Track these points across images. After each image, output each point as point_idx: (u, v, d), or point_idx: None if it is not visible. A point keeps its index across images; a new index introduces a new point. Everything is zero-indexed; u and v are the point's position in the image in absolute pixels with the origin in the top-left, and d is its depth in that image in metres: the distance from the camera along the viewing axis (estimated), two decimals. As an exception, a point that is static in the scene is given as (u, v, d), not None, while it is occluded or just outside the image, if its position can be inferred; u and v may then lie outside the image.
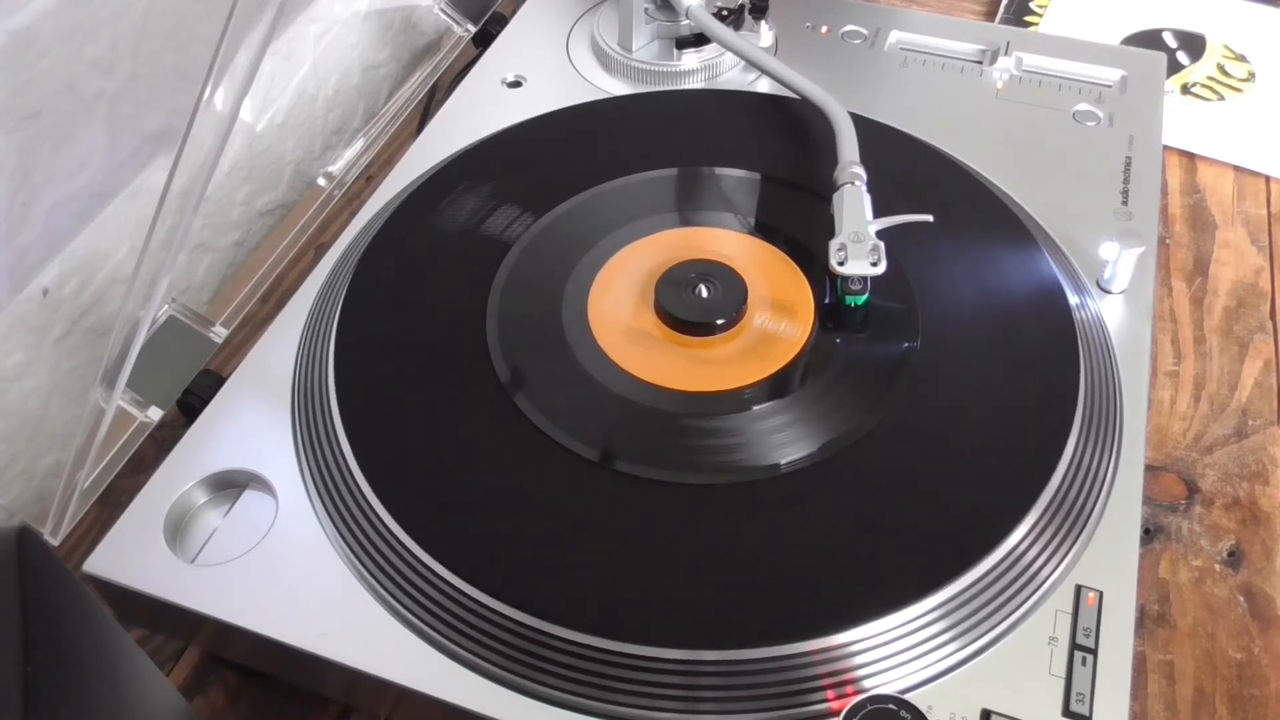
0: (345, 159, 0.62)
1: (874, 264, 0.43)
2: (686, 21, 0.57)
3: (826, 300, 0.45)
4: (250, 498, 0.40)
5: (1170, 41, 0.70)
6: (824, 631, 0.34)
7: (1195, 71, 0.68)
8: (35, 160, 0.46)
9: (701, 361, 0.43)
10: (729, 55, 0.58)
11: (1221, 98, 0.66)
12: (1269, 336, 0.53)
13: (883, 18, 0.62)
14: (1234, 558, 0.44)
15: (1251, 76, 0.67)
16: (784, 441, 0.40)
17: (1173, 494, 0.47)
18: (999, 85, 0.57)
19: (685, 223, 0.49)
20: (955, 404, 0.41)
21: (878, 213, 0.46)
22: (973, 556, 0.36)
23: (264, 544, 0.38)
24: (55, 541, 0.42)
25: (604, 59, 0.60)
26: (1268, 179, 0.60)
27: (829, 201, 0.47)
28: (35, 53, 0.44)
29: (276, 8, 0.42)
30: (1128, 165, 0.52)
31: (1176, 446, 0.48)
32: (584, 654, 0.34)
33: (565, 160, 0.52)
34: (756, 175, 0.51)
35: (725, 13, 0.58)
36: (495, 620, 0.35)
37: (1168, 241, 0.57)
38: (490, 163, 0.53)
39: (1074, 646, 0.35)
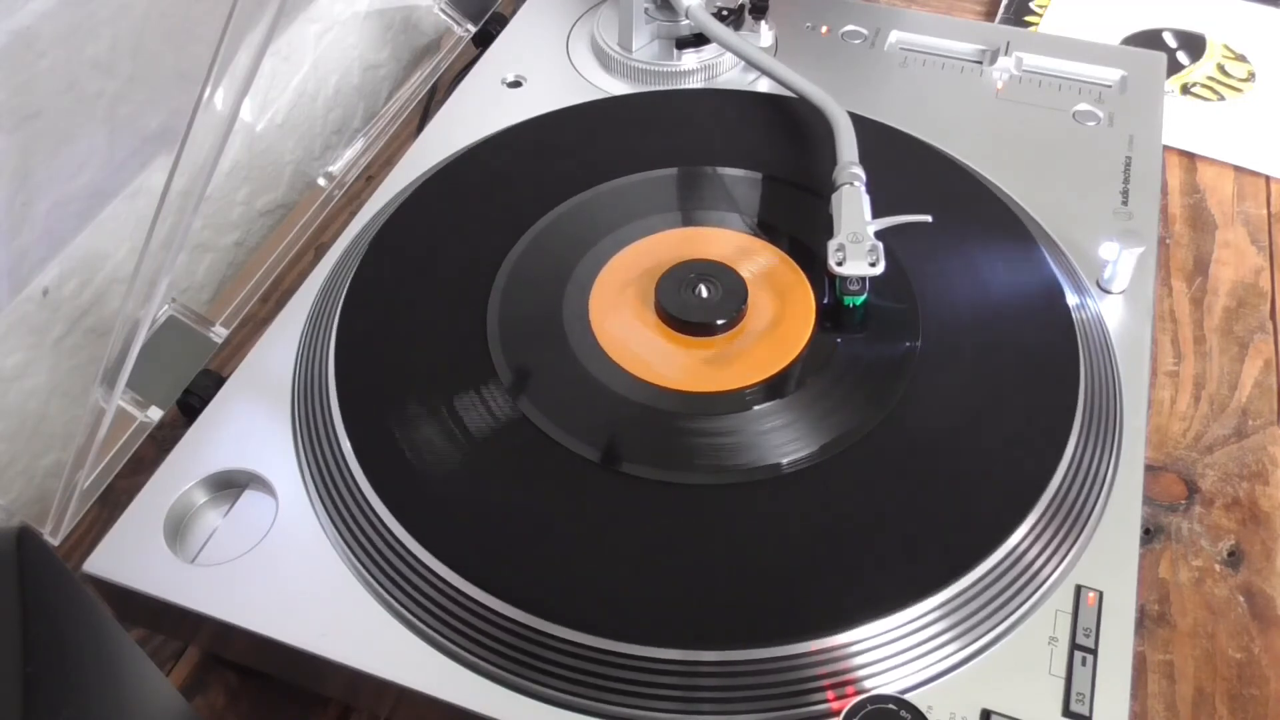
0: (345, 159, 0.62)
1: (872, 264, 0.43)
2: (686, 21, 0.57)
3: (825, 300, 0.45)
4: (250, 498, 0.40)
5: (1170, 41, 0.70)
6: (824, 631, 0.34)
7: (1195, 71, 0.68)
8: (35, 160, 0.46)
9: (701, 361, 0.43)
10: (729, 55, 0.58)
11: (1221, 98, 0.66)
12: (1269, 336, 0.53)
13: (883, 18, 0.62)
14: (1234, 558, 0.44)
15: (1251, 76, 0.67)
16: (784, 441, 0.40)
17: (1173, 494, 0.47)
18: (999, 85, 0.57)
19: (685, 223, 0.49)
20: (955, 404, 0.41)
21: (877, 213, 0.46)
22: (973, 556, 0.36)
23: (264, 544, 0.38)
24: (55, 541, 0.42)
25: (604, 59, 0.60)
26: (1268, 179, 0.60)
27: (828, 201, 0.47)
28: (35, 53, 0.44)
29: (276, 8, 0.42)
30: (1128, 165, 0.52)
31: (1176, 446, 0.48)
32: (584, 654, 0.34)
33: (565, 160, 0.52)
34: (757, 175, 0.51)
35: (725, 13, 0.58)
36: (495, 620, 0.35)
37: (1168, 241, 0.57)
38: (490, 163, 0.53)
39: (1074, 646, 0.35)
